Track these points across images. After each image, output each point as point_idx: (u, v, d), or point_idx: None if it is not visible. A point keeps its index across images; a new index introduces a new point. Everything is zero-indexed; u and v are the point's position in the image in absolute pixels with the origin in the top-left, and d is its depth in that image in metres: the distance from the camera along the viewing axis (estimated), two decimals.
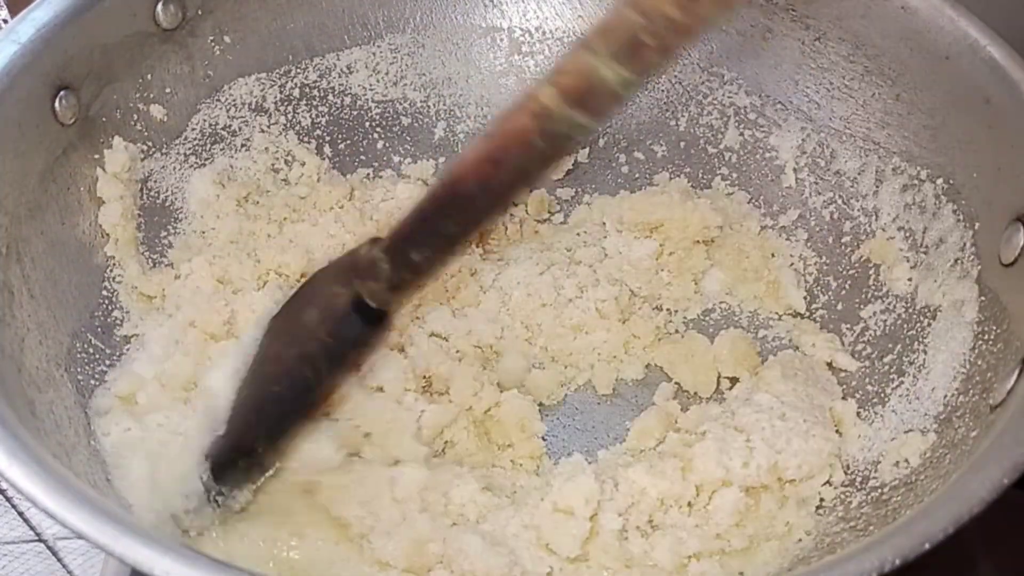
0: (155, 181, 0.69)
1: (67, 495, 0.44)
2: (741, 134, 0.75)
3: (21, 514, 1.13)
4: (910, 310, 0.64)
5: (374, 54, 0.77)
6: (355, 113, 0.78)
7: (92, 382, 0.60)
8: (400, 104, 0.79)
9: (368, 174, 0.77)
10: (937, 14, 0.63)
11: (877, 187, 0.68)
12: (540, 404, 0.65)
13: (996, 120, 0.59)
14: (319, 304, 0.50)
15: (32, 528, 1.15)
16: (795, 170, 0.73)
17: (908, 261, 0.65)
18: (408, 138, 0.79)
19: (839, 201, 0.71)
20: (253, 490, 0.54)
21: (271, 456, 0.53)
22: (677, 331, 0.69)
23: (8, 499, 1.11)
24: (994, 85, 0.59)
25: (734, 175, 0.75)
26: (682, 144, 0.77)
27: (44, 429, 0.52)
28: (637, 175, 0.78)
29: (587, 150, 0.79)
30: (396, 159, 0.78)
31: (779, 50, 0.72)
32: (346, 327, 0.49)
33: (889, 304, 0.65)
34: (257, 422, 0.52)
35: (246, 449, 0.53)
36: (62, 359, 0.58)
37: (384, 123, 0.78)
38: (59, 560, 1.18)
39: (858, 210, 0.69)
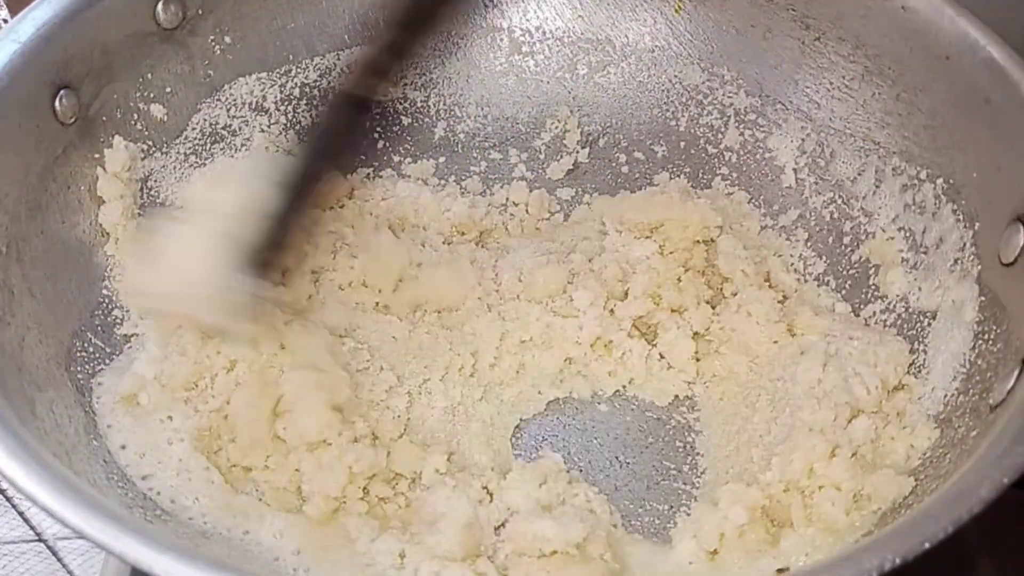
0: (155, 180, 0.69)
1: (67, 494, 0.44)
2: (741, 134, 0.75)
3: (21, 514, 1.13)
4: (910, 310, 0.64)
5: None
6: None
7: (92, 381, 0.60)
8: (400, 104, 0.79)
9: (368, 174, 0.77)
10: (937, 14, 0.63)
11: (877, 187, 0.68)
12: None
13: (996, 120, 0.59)
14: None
15: (32, 528, 1.15)
16: (795, 170, 0.73)
17: (908, 261, 0.65)
18: (408, 138, 0.79)
19: (839, 201, 0.71)
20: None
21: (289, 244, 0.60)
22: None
23: (8, 499, 1.11)
24: (994, 85, 0.59)
25: (734, 175, 0.75)
26: (682, 144, 0.77)
27: (44, 428, 0.52)
28: (637, 175, 0.78)
29: (587, 150, 0.79)
30: (396, 159, 0.78)
31: (779, 50, 0.72)
32: (332, 112, 0.59)
33: (889, 304, 0.65)
34: (272, 216, 0.58)
35: (265, 243, 0.58)
36: (62, 358, 0.58)
37: (384, 123, 0.78)
38: (59, 560, 1.18)
39: (858, 210, 0.69)
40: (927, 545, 0.42)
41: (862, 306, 0.67)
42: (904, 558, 0.41)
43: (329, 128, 0.61)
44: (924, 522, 0.43)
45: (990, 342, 0.55)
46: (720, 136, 0.76)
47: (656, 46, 0.77)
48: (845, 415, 0.59)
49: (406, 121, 0.79)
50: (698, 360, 0.68)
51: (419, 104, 0.79)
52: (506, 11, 0.78)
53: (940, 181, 0.63)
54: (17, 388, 0.52)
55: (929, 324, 0.61)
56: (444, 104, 0.79)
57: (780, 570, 0.52)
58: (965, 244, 0.60)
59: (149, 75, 0.67)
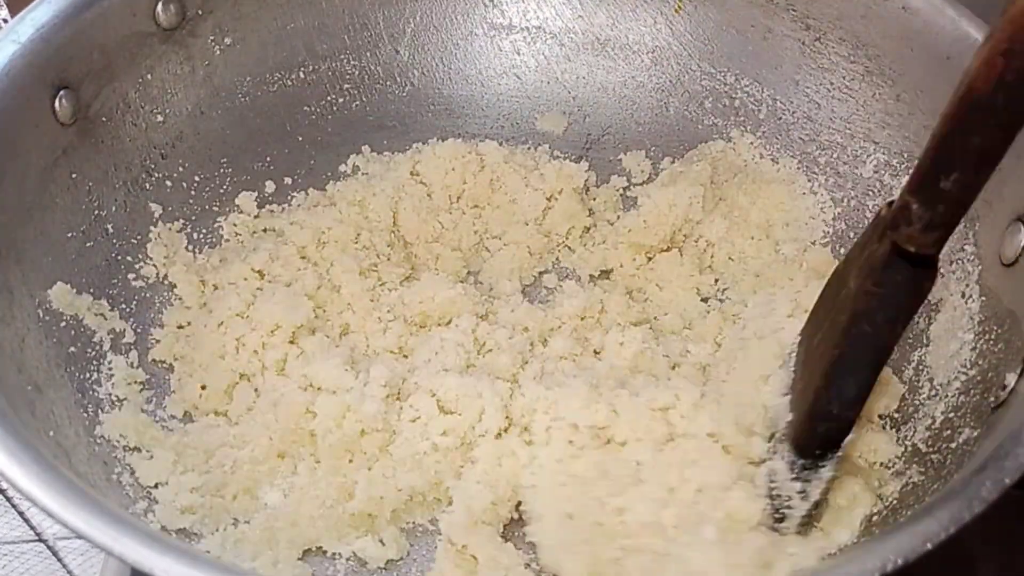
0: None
1: (67, 495, 0.44)
2: (741, 135, 0.75)
3: (21, 514, 1.13)
4: None
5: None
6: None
7: (92, 382, 0.60)
8: (399, 103, 0.78)
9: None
10: (938, 14, 0.63)
11: (877, 188, 0.68)
12: None
13: None
14: (855, 272, 0.48)
15: (32, 528, 1.15)
16: (795, 171, 0.73)
17: None
18: (407, 137, 0.79)
19: (840, 201, 0.71)
20: (837, 457, 0.53)
21: (850, 416, 0.51)
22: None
23: (8, 499, 1.11)
24: None
25: (736, 176, 0.75)
26: (682, 145, 0.77)
27: (44, 429, 0.52)
28: (637, 176, 0.78)
29: (588, 148, 0.79)
30: None
31: (779, 50, 0.73)
32: (891, 273, 0.46)
33: None
34: (827, 385, 0.50)
35: (822, 414, 0.51)
36: (62, 359, 0.58)
37: (383, 122, 0.78)
38: (59, 560, 1.18)
39: (858, 211, 0.69)
40: (929, 545, 0.42)
41: None
42: (906, 558, 0.41)
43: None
44: (926, 522, 0.43)
45: (991, 342, 0.55)
46: (720, 137, 0.76)
47: (656, 46, 0.77)
48: None
49: (405, 121, 0.79)
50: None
51: (419, 104, 0.79)
52: (506, 11, 0.78)
53: None
54: (17, 388, 0.52)
55: (929, 324, 0.61)
56: (444, 104, 0.79)
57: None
58: (966, 244, 0.60)
59: (149, 76, 0.67)
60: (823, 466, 0.52)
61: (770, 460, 0.54)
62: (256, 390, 0.63)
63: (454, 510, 0.57)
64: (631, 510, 0.54)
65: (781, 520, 0.53)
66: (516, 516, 0.59)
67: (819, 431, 0.51)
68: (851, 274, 0.48)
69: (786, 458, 0.52)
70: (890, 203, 0.46)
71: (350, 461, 0.59)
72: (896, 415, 0.60)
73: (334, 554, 0.57)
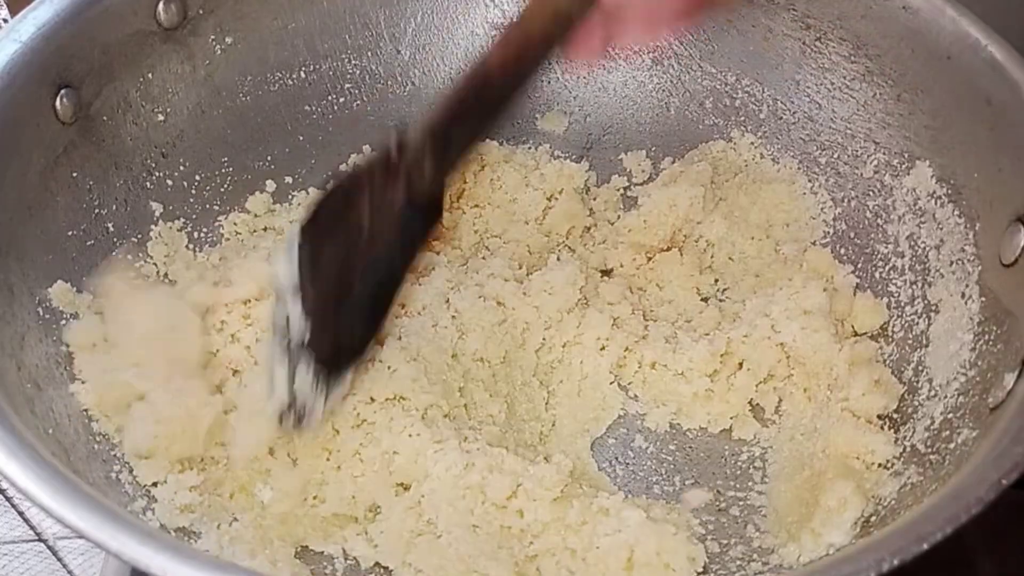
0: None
1: (65, 492, 0.44)
2: (742, 135, 0.75)
3: (21, 514, 1.13)
4: (910, 310, 0.64)
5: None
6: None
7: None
8: (399, 103, 0.78)
9: None
10: (938, 14, 0.63)
11: (878, 188, 0.68)
12: None
13: (997, 121, 0.58)
14: (370, 206, 0.55)
15: (32, 528, 1.15)
16: (796, 171, 0.73)
17: (908, 262, 0.65)
18: None
19: (840, 202, 0.71)
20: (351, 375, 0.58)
21: (365, 346, 0.59)
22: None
23: (8, 499, 1.11)
24: (995, 85, 0.59)
25: (736, 176, 0.75)
26: (683, 145, 0.77)
27: (43, 427, 0.52)
28: (637, 176, 0.78)
29: (589, 148, 0.79)
30: None
31: (780, 50, 0.72)
32: (408, 224, 0.56)
33: (889, 304, 0.65)
34: (350, 320, 0.58)
35: (345, 343, 0.58)
36: (62, 357, 0.58)
37: (382, 122, 0.78)
38: (59, 560, 1.18)
39: (859, 211, 0.69)
40: (926, 545, 0.42)
41: None
42: (903, 558, 0.41)
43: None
44: (923, 523, 0.43)
45: (990, 343, 0.55)
46: (721, 137, 0.76)
47: (657, 46, 0.77)
48: None
49: (406, 120, 0.79)
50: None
51: (420, 103, 0.79)
52: (507, 10, 0.78)
53: (941, 182, 0.63)
54: (17, 386, 0.52)
55: (929, 325, 0.61)
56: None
57: None
58: (966, 245, 0.60)
59: (150, 75, 0.68)
60: (344, 373, 0.58)
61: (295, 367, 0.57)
62: (247, 387, 0.63)
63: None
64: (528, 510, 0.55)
65: (304, 419, 0.57)
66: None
67: (342, 354, 0.58)
68: (361, 206, 0.55)
69: (311, 368, 0.56)
70: (399, 135, 0.54)
71: (327, 459, 0.60)
72: (895, 415, 0.60)
73: (331, 554, 0.57)
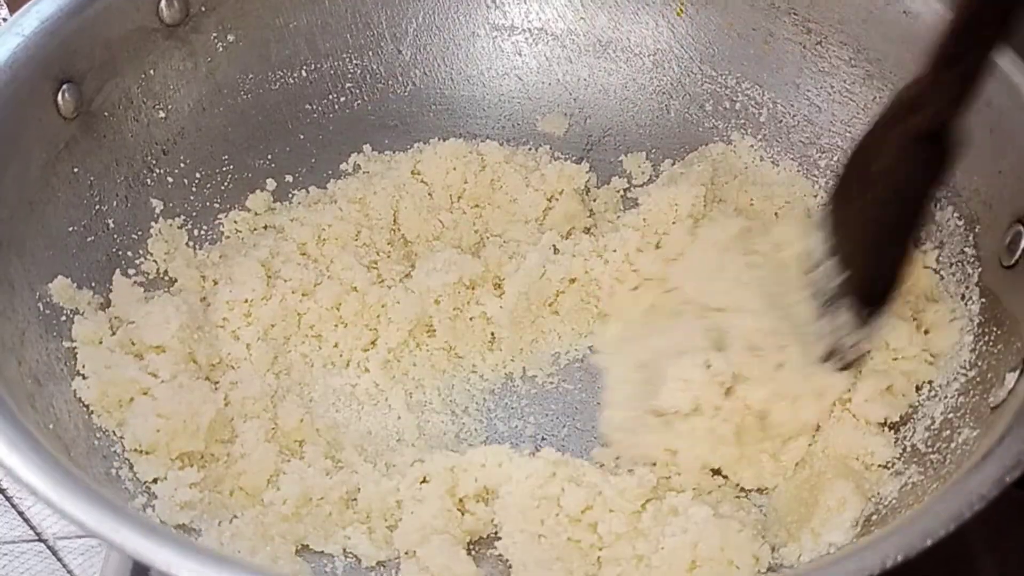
0: None
1: (67, 486, 0.44)
2: (742, 137, 0.76)
3: (21, 514, 1.13)
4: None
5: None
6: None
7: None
8: (399, 103, 0.78)
9: None
10: (939, 19, 0.63)
11: None
12: None
13: (997, 123, 0.59)
14: (876, 154, 0.54)
15: (32, 528, 1.15)
16: (796, 173, 0.73)
17: None
18: (406, 137, 0.79)
19: None
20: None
21: (897, 272, 0.57)
22: None
23: (8, 499, 1.11)
24: (995, 88, 0.59)
25: (736, 179, 0.76)
26: (683, 148, 0.78)
27: (44, 422, 0.52)
28: (637, 177, 0.78)
29: (589, 149, 0.79)
30: None
31: (781, 54, 0.73)
32: (919, 151, 0.51)
33: None
34: (878, 255, 0.57)
35: (880, 271, 0.57)
36: (62, 353, 0.58)
37: (380, 122, 0.78)
38: (59, 560, 1.17)
39: None
40: (929, 542, 0.42)
41: None
42: (906, 555, 0.42)
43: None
44: (926, 519, 0.43)
45: (990, 343, 0.55)
46: (721, 140, 0.76)
47: (658, 49, 0.77)
48: None
49: (407, 120, 0.79)
50: None
51: (420, 103, 0.79)
52: (508, 12, 0.79)
53: (941, 184, 0.63)
54: (17, 382, 0.52)
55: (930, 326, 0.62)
56: (446, 104, 0.79)
57: None
58: (966, 246, 0.60)
59: (151, 71, 0.67)
60: (884, 311, 0.58)
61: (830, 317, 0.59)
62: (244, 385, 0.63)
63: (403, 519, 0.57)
64: (604, 522, 0.55)
65: (846, 368, 0.59)
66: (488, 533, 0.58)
67: (878, 285, 0.57)
68: (880, 153, 0.53)
69: (852, 308, 0.57)
70: (908, 86, 0.50)
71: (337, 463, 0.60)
72: (896, 415, 0.60)
73: (331, 552, 0.57)
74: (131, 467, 0.57)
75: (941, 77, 0.47)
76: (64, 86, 0.61)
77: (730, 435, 0.59)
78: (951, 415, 0.55)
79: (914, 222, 0.55)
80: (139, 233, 0.67)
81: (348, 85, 0.77)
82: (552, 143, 0.79)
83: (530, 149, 0.79)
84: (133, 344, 0.61)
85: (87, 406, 0.57)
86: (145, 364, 0.59)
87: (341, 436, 0.63)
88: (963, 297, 0.59)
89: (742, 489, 0.60)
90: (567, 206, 0.74)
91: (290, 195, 0.74)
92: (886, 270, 0.56)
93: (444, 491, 0.57)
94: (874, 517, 0.54)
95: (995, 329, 0.55)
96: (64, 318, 0.60)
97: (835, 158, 0.71)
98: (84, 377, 0.58)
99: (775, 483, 0.60)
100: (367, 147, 0.77)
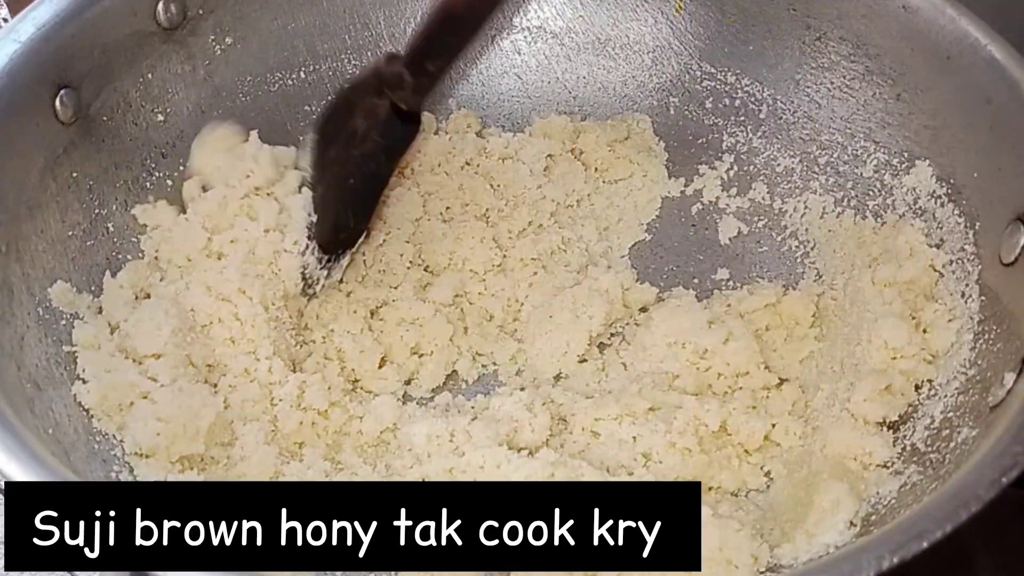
0: None
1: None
2: (743, 134, 0.75)
3: None
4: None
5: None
6: None
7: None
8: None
9: None
10: (938, 14, 0.63)
11: (878, 187, 0.68)
12: None
13: (997, 120, 0.59)
14: (363, 114, 0.63)
15: None
16: (796, 170, 0.73)
17: None
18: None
19: (840, 201, 0.70)
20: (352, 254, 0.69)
21: (361, 228, 0.69)
22: None
23: None
24: (995, 85, 0.59)
25: (737, 176, 0.75)
26: (683, 144, 0.77)
27: (43, 427, 0.52)
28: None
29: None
30: None
31: (780, 50, 0.73)
32: (391, 128, 0.63)
33: None
34: (345, 208, 0.67)
35: (342, 227, 0.68)
36: (61, 357, 0.58)
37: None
38: None
39: (859, 211, 0.69)
40: (926, 544, 0.42)
41: None
42: (903, 557, 0.41)
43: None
44: (923, 521, 0.43)
45: (990, 342, 0.55)
46: (721, 136, 0.76)
47: (657, 46, 0.77)
48: None
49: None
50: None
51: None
52: (507, 11, 0.78)
53: (941, 181, 0.63)
54: (16, 386, 0.52)
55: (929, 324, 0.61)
56: (443, 103, 0.79)
57: None
58: (966, 244, 0.60)
59: (150, 75, 0.68)
60: (342, 257, 0.69)
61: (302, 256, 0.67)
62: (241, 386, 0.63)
63: None
64: None
65: (311, 289, 0.68)
66: None
67: (340, 238, 0.68)
68: (357, 114, 0.63)
69: (316, 254, 0.67)
70: (391, 57, 0.61)
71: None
72: (895, 415, 0.59)
73: None
74: (131, 471, 0.57)
75: (417, 66, 0.59)
76: (62, 91, 0.61)
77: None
78: (951, 414, 0.55)
79: (384, 185, 0.68)
80: (137, 237, 0.67)
81: None
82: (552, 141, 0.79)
83: (529, 148, 0.78)
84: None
85: (87, 410, 0.57)
86: (145, 368, 0.59)
87: (340, 438, 0.63)
88: (963, 295, 0.59)
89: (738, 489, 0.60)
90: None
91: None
92: (349, 222, 0.67)
93: None
94: (873, 517, 0.53)
95: (995, 327, 0.55)
96: (64, 322, 0.60)
97: (835, 154, 0.71)
98: (84, 381, 0.58)
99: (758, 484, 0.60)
100: None
